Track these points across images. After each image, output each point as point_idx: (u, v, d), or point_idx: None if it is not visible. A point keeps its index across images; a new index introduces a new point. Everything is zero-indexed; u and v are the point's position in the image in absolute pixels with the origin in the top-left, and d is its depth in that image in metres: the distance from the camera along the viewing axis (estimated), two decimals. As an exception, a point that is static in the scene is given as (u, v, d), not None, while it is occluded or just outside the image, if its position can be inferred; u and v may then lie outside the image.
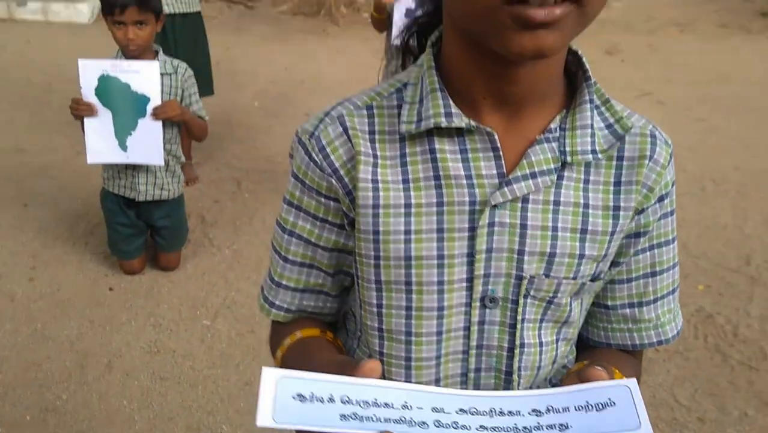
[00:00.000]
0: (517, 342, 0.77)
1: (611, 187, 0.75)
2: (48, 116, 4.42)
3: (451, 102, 0.71)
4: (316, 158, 0.77)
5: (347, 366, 0.61)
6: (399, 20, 2.66)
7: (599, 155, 0.73)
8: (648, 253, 0.81)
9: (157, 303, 2.74)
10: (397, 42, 2.79)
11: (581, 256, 0.75)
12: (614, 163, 0.75)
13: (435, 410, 0.58)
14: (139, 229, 2.84)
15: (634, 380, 0.59)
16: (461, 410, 0.58)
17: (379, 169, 0.74)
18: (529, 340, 0.77)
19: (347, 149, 0.75)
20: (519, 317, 0.76)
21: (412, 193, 0.73)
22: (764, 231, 3.38)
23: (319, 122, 0.77)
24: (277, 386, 0.57)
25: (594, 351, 0.86)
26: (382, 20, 2.76)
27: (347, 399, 0.57)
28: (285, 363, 0.82)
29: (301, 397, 0.56)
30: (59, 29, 6.27)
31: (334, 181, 0.76)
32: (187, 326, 2.62)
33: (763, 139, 4.41)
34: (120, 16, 2.49)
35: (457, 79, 0.72)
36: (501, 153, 0.72)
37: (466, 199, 0.73)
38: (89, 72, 2.46)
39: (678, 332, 0.86)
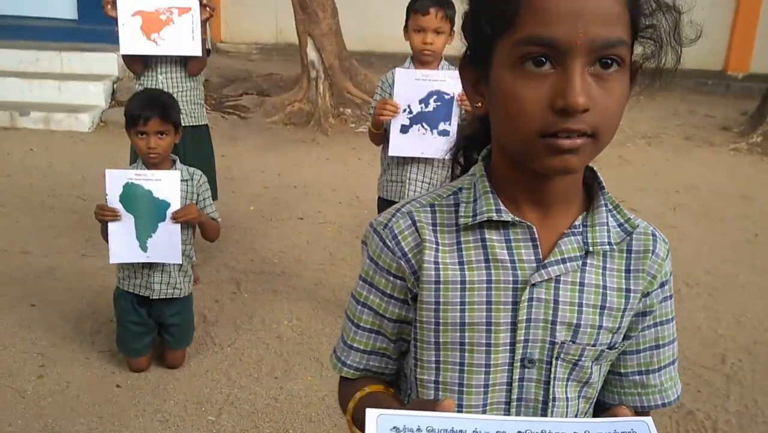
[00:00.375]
0: (550, 396, 0.95)
1: (623, 274, 0.96)
2: (52, 220, 4.58)
3: (500, 201, 0.93)
4: (389, 244, 0.98)
5: (427, 404, 0.79)
6: (395, 135, 2.92)
7: (614, 246, 0.95)
8: (653, 329, 1.01)
9: (163, 399, 2.84)
10: (395, 154, 3.04)
11: (600, 327, 0.95)
12: (625, 254, 0.97)
13: (499, 432, 0.75)
14: (149, 327, 2.98)
15: (650, 418, 0.77)
16: (519, 431, 0.75)
17: (440, 254, 0.95)
18: (559, 395, 0.96)
19: (414, 237, 0.96)
20: (552, 376, 0.95)
21: (466, 272, 0.94)
22: (736, 331, 3.59)
23: (391, 216, 0.99)
24: (378, 422, 0.74)
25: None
26: (379, 135, 3.02)
27: (431, 429, 0.74)
28: (356, 413, 1.00)
29: (396, 429, 0.73)
30: (61, 137, 6.53)
31: (402, 262, 0.97)
32: (193, 422, 2.72)
33: (730, 245, 4.70)
34: (143, 126, 2.74)
35: (503, 185, 0.95)
36: (538, 243, 0.94)
37: (510, 278, 0.94)
38: (115, 180, 2.69)
39: (678, 396, 1.04)
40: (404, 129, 2.90)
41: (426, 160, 2.95)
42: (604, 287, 0.95)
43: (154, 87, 3.49)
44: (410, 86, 2.82)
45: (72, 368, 3.02)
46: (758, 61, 10.08)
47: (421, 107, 2.85)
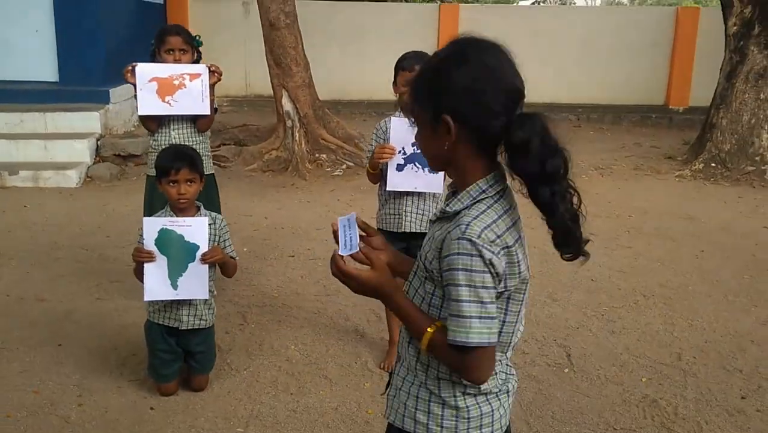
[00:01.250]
0: (411, 285, 1.69)
1: (443, 237, 1.53)
2: (60, 270, 4.90)
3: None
4: None
5: None
6: (392, 173, 3.38)
7: (432, 221, 1.65)
8: (448, 288, 1.51)
9: (194, 417, 3.20)
10: (393, 189, 3.56)
11: (426, 258, 1.60)
12: (446, 228, 1.55)
13: None
14: (177, 355, 3.34)
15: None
16: None
17: None
18: (414, 287, 1.67)
19: None
20: (413, 273, 1.69)
21: None
22: (689, 333, 4.10)
23: None
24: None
25: None
26: (376, 175, 3.49)
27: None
28: None
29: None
30: (50, 194, 6.85)
31: None
32: (225, 434, 3.09)
33: (680, 261, 5.25)
34: (175, 175, 3.14)
35: None
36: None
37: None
38: (151, 226, 3.08)
39: (455, 340, 1.47)
40: (400, 168, 3.38)
41: (419, 194, 3.42)
42: (433, 238, 1.58)
43: (167, 142, 3.90)
44: (404, 132, 3.30)
45: (107, 396, 3.35)
46: (696, 95, 10.90)
47: (414, 149, 3.33)
